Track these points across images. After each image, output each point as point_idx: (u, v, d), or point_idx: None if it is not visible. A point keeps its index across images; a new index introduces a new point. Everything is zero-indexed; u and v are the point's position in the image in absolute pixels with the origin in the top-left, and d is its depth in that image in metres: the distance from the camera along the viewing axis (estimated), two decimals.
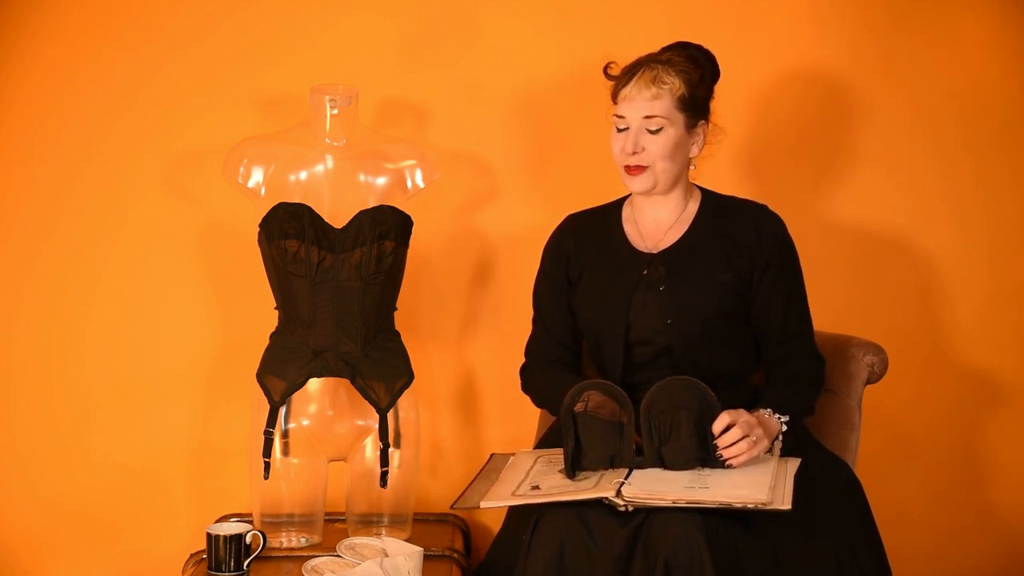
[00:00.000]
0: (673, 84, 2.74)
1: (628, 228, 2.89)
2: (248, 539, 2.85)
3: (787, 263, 2.83)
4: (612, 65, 2.82)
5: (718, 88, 2.85)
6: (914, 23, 3.29)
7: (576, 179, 3.29)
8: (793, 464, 2.66)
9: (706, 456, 2.62)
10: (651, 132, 2.75)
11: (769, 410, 2.70)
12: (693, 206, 2.87)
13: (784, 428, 2.70)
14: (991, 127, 3.31)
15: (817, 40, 3.29)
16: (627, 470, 2.62)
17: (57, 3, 3.25)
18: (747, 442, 2.62)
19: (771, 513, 2.50)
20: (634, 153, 2.76)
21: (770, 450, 2.69)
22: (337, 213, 2.94)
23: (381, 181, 3.02)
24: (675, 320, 2.78)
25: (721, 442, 2.61)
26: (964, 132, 3.31)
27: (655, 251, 2.84)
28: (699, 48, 2.83)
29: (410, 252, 3.01)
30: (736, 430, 2.61)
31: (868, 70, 3.30)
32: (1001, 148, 3.32)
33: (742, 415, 2.63)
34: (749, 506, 2.49)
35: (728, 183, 2.98)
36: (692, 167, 2.84)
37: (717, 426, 2.62)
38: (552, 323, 2.93)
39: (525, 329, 3.05)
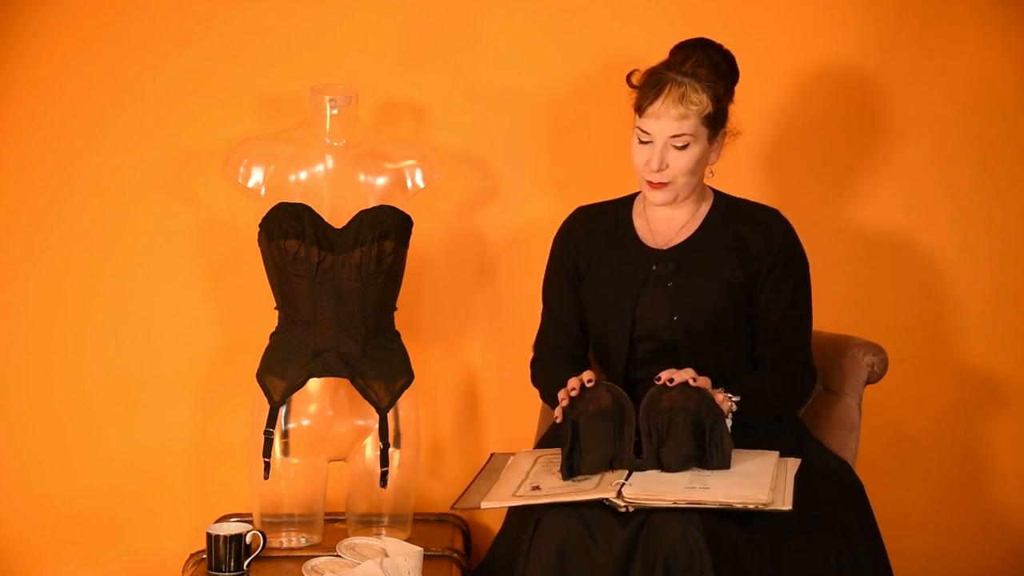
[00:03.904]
0: (701, 103, 2.73)
1: (639, 224, 2.89)
2: (248, 539, 2.85)
3: (793, 267, 2.83)
4: (635, 73, 2.81)
5: None
6: (916, 25, 3.29)
7: (577, 178, 3.29)
8: (793, 464, 2.66)
9: (703, 456, 2.62)
10: (677, 148, 2.75)
11: (721, 389, 2.68)
12: (705, 207, 2.87)
13: (733, 408, 2.68)
14: (992, 128, 3.31)
15: (817, 41, 3.29)
16: (627, 472, 2.62)
17: (57, 3, 3.25)
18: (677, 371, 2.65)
19: (771, 514, 2.50)
20: (659, 170, 2.76)
21: (716, 425, 2.66)
22: (337, 213, 2.94)
23: (381, 181, 3.02)
24: (681, 316, 2.78)
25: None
26: (965, 133, 3.31)
27: (665, 248, 2.84)
28: (719, 50, 2.82)
29: (410, 252, 3.01)
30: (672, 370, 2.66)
31: (870, 71, 3.30)
32: (1002, 149, 3.32)
33: (689, 372, 2.66)
34: (750, 506, 2.49)
35: (729, 181, 2.98)
36: (710, 174, 2.85)
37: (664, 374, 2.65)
38: (561, 315, 2.93)
39: (525, 328, 3.05)
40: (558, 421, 2.67)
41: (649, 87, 2.76)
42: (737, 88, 2.85)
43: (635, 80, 2.80)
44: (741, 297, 2.81)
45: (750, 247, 2.82)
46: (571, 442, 2.63)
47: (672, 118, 2.73)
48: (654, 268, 2.83)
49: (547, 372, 2.91)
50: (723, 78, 2.79)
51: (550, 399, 2.90)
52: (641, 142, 2.78)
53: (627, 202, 2.94)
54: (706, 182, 2.87)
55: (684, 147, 2.75)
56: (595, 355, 2.95)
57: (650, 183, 2.79)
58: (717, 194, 2.90)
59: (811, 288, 2.86)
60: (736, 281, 2.80)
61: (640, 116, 2.77)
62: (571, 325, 2.93)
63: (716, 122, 2.77)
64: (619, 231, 2.89)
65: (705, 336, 2.79)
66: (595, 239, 2.90)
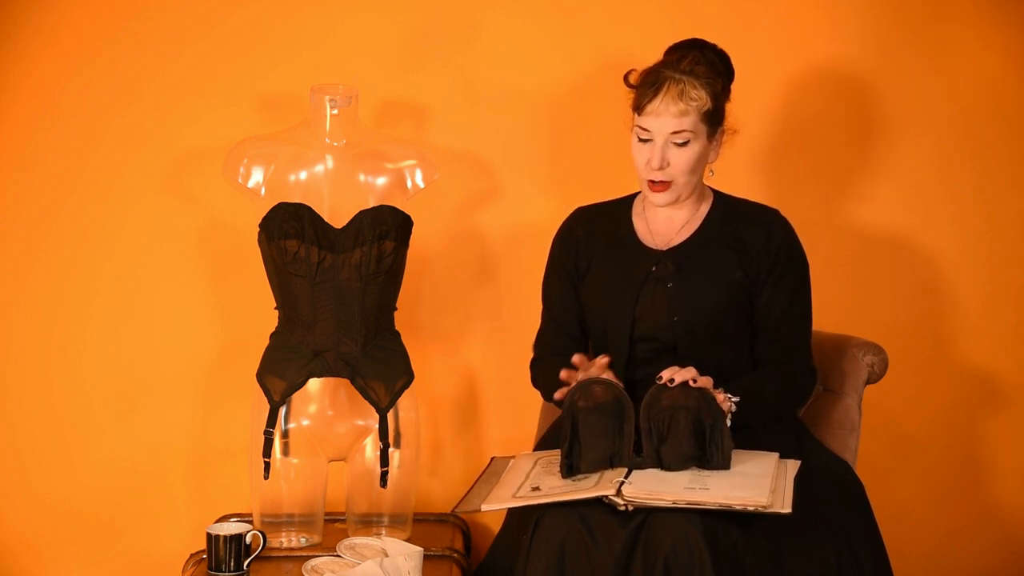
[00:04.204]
0: (700, 99, 2.73)
1: (638, 225, 2.89)
2: (248, 539, 2.85)
3: (792, 267, 2.82)
4: (632, 73, 2.81)
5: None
6: (916, 25, 3.29)
7: (577, 178, 3.29)
8: (793, 466, 2.66)
9: (703, 456, 2.62)
10: (677, 145, 2.75)
11: (721, 389, 2.68)
12: (705, 207, 2.87)
13: (733, 408, 2.67)
14: (992, 128, 3.31)
15: (817, 41, 3.29)
16: (627, 470, 2.62)
17: (57, 3, 3.25)
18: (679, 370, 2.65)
19: (771, 516, 2.50)
20: (660, 168, 2.76)
21: (717, 425, 2.65)
22: (337, 213, 2.94)
23: (381, 181, 3.02)
24: (681, 317, 2.78)
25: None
26: (965, 133, 3.31)
27: (664, 248, 2.84)
28: (714, 49, 2.82)
29: (410, 252, 3.01)
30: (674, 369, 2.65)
31: (869, 71, 3.30)
32: (1002, 149, 3.32)
33: (691, 371, 2.66)
34: (749, 508, 2.49)
35: (729, 181, 2.98)
36: (711, 173, 2.85)
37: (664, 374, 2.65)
38: (561, 315, 2.93)
39: (525, 328, 3.05)
40: (556, 398, 2.69)
41: (648, 85, 2.76)
42: (736, 87, 2.86)
43: (632, 80, 2.80)
44: (741, 297, 2.81)
45: (750, 247, 2.82)
46: (570, 439, 2.63)
47: (672, 114, 2.74)
48: (654, 269, 2.83)
49: (547, 372, 2.90)
50: (720, 76, 2.80)
51: (550, 399, 2.90)
52: (641, 140, 2.78)
53: (627, 202, 2.94)
54: (706, 182, 2.87)
55: (684, 144, 2.75)
56: (595, 355, 2.94)
57: (651, 184, 2.79)
58: (717, 194, 2.90)
59: (811, 288, 2.86)
60: (736, 281, 2.80)
61: (639, 114, 2.77)
62: (571, 325, 2.93)
63: (715, 119, 2.78)
64: (619, 231, 2.89)
65: (705, 336, 2.79)
66: (595, 239, 2.90)
